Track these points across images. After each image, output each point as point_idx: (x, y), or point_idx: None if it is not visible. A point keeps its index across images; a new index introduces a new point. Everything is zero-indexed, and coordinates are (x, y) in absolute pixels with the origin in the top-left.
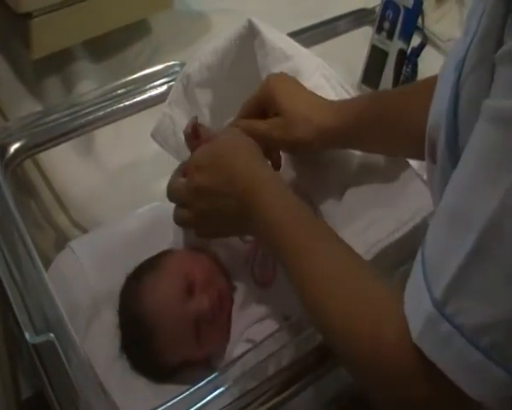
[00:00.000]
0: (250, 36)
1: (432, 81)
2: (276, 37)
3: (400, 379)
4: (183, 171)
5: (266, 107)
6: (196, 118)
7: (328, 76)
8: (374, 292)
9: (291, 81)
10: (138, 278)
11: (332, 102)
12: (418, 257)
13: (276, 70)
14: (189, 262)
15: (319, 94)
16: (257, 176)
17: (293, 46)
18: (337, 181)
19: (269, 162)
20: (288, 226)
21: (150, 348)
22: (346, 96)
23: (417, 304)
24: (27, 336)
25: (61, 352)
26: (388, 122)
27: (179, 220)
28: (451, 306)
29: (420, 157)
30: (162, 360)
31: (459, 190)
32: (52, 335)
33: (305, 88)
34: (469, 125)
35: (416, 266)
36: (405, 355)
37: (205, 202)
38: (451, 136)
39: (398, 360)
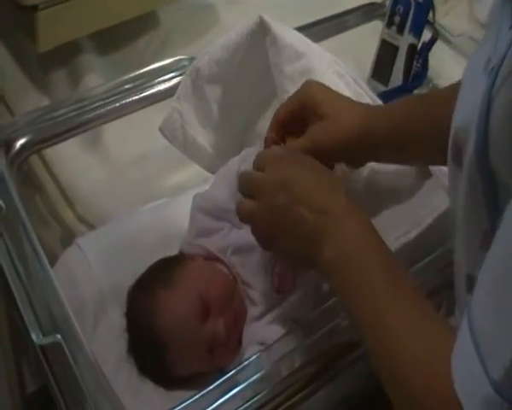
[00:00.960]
0: (261, 33)
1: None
2: (288, 34)
3: None
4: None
5: (307, 113)
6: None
7: (342, 72)
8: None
9: (328, 88)
10: (151, 289)
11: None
12: (464, 327)
13: (288, 68)
14: (205, 278)
15: None
16: (346, 207)
17: (305, 43)
18: (350, 185)
19: None
20: (368, 281)
21: (161, 360)
22: (360, 92)
23: (473, 385)
24: (34, 337)
25: (68, 353)
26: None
27: (244, 209)
28: None
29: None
30: (171, 372)
31: (505, 251)
32: (59, 336)
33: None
34: (503, 141)
35: (464, 338)
36: None
37: (283, 197)
38: (482, 148)
39: None
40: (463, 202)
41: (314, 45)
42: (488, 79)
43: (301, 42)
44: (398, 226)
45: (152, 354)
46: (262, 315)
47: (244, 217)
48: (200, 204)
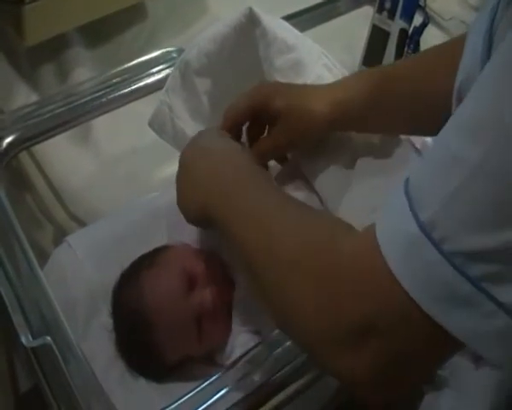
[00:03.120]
0: (250, 24)
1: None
2: (277, 26)
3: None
4: None
5: (261, 114)
6: None
7: (330, 65)
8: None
9: (280, 84)
10: (135, 276)
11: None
12: (398, 188)
13: (278, 61)
14: (188, 257)
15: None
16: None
17: (295, 35)
18: (336, 167)
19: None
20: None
21: (150, 345)
22: None
23: (397, 228)
24: (23, 339)
25: (58, 355)
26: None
27: None
28: (440, 229)
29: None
30: (162, 358)
31: (468, 106)
32: (49, 338)
33: (295, 85)
34: None
35: (395, 194)
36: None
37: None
38: None
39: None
40: None
41: (304, 38)
42: (489, 19)
43: (291, 34)
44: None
45: (140, 338)
46: (247, 299)
47: None
48: None
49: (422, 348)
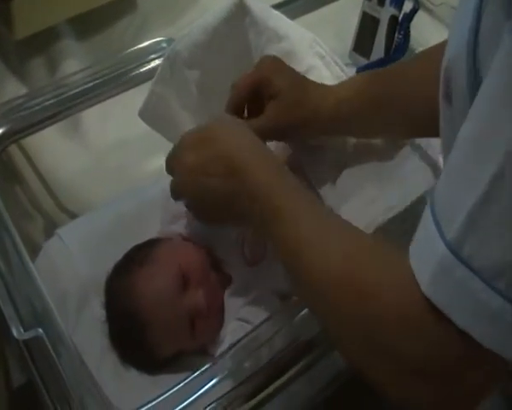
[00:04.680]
0: (241, 14)
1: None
2: (268, 15)
3: (406, 337)
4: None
5: (262, 89)
6: None
7: (322, 53)
8: (374, 251)
9: (285, 64)
10: (129, 270)
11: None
12: (427, 209)
13: (269, 51)
14: (181, 253)
15: (314, 74)
16: (245, 155)
17: (286, 24)
18: (335, 162)
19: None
20: (276, 194)
21: (142, 342)
22: (341, 74)
23: (427, 252)
24: (14, 332)
25: (50, 347)
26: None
27: (171, 189)
28: (468, 247)
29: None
30: (155, 353)
31: (477, 120)
32: (41, 330)
33: (299, 73)
34: (491, 58)
35: (424, 215)
36: (412, 309)
37: (194, 184)
38: (472, 66)
39: (403, 317)
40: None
41: (295, 26)
42: None
43: (282, 23)
44: (383, 203)
45: (134, 335)
46: (239, 290)
47: (173, 196)
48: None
49: (479, 372)
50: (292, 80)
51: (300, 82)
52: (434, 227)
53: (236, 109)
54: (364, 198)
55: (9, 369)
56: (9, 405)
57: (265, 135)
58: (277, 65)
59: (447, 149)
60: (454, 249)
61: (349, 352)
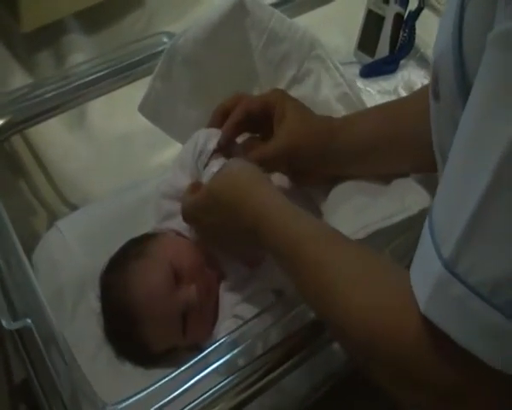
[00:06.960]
0: (241, 14)
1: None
2: (269, 15)
3: (407, 360)
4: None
5: (271, 112)
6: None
7: (322, 56)
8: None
9: (303, 106)
10: (124, 264)
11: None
12: (425, 225)
13: (267, 52)
14: (175, 249)
15: (312, 78)
16: (261, 203)
17: (286, 26)
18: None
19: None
20: (299, 243)
21: (135, 337)
22: (340, 80)
23: (425, 270)
24: (4, 322)
25: (38, 338)
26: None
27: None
28: (464, 263)
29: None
30: (147, 347)
31: (465, 138)
32: (29, 320)
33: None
34: (476, 50)
35: (423, 234)
36: (410, 330)
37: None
38: (458, 63)
39: (402, 337)
40: (445, 136)
41: (296, 27)
42: None
43: (282, 25)
44: (377, 211)
45: (126, 329)
46: (235, 287)
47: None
48: (164, 190)
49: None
50: (297, 103)
51: (304, 106)
52: (432, 245)
53: (232, 130)
54: (355, 206)
55: (10, 365)
56: (11, 401)
57: (269, 164)
58: (294, 103)
59: (438, 149)
60: (450, 267)
61: (352, 353)
